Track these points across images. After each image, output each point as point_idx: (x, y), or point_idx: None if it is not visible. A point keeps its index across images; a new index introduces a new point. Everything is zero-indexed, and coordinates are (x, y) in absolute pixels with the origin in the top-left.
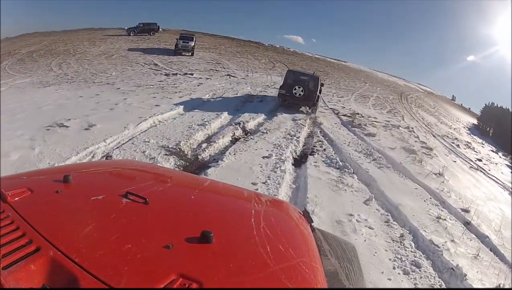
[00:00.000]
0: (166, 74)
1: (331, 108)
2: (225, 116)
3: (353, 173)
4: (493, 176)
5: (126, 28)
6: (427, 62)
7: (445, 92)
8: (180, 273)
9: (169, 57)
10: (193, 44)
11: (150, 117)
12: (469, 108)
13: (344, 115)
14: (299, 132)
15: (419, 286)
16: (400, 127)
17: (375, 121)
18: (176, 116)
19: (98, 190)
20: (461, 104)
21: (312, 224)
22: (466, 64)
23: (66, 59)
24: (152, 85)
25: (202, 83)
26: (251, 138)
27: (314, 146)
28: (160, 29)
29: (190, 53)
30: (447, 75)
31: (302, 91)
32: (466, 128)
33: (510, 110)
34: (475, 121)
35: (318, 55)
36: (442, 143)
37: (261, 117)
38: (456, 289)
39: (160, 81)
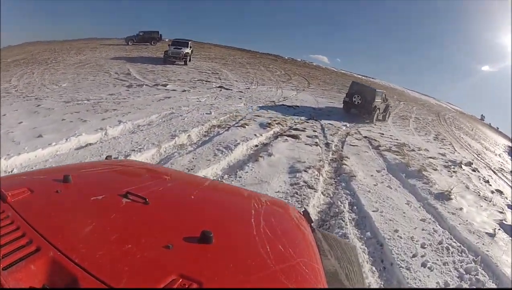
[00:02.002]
0: (129, 86)
1: (365, 136)
2: None
3: None
4: None
5: (125, 37)
6: (446, 75)
7: (468, 108)
8: (180, 273)
9: (154, 66)
10: (187, 51)
11: None
12: (497, 128)
13: (388, 149)
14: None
15: None
16: (462, 165)
17: (428, 156)
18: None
19: (98, 190)
20: (490, 123)
21: (312, 224)
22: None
23: (36, 69)
24: (90, 100)
25: (169, 98)
26: None
27: None
28: (166, 39)
29: (183, 62)
30: (466, 87)
31: (360, 100)
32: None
33: None
34: (509, 143)
35: (344, 70)
36: None
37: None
38: (456, 289)
39: (111, 94)
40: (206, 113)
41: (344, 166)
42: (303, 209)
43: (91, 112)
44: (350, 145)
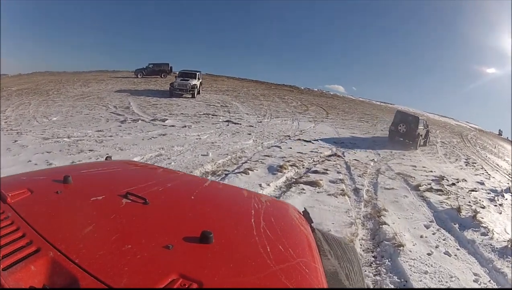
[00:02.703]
0: (122, 121)
1: (399, 172)
2: None
3: None
4: None
5: (134, 70)
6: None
7: (485, 123)
8: (180, 273)
9: (158, 99)
10: (194, 82)
11: None
12: None
13: (429, 189)
14: None
15: None
16: (504, 194)
17: (469, 188)
18: None
19: (98, 190)
20: (508, 137)
21: (312, 224)
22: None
23: (35, 99)
24: (71, 137)
25: (164, 135)
26: None
27: None
28: (177, 72)
29: (190, 94)
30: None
31: (405, 128)
32: None
33: None
34: None
35: (362, 98)
36: None
37: None
38: (457, 289)
39: (99, 130)
40: (201, 155)
41: (383, 226)
42: (303, 209)
43: (63, 153)
44: (385, 187)
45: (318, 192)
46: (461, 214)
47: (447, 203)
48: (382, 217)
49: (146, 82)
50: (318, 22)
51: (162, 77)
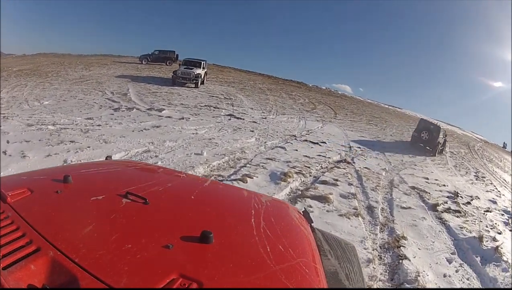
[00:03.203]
0: (116, 109)
1: (412, 186)
2: None
3: None
4: None
5: (139, 55)
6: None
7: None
8: (180, 273)
9: (160, 87)
10: (199, 72)
11: None
12: None
13: (447, 209)
14: None
15: None
16: None
17: (484, 208)
18: None
19: (98, 190)
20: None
21: (312, 224)
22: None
23: (32, 81)
24: (56, 124)
25: (157, 127)
26: None
27: None
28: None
29: (193, 84)
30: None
31: (427, 135)
32: None
33: None
34: None
35: (370, 100)
36: None
37: None
38: (458, 289)
39: (89, 118)
40: (195, 154)
41: (404, 261)
42: (303, 209)
43: (42, 144)
44: (401, 206)
45: (327, 211)
46: (482, 244)
47: (467, 229)
48: (400, 246)
49: (150, 68)
50: (329, 20)
51: (167, 65)
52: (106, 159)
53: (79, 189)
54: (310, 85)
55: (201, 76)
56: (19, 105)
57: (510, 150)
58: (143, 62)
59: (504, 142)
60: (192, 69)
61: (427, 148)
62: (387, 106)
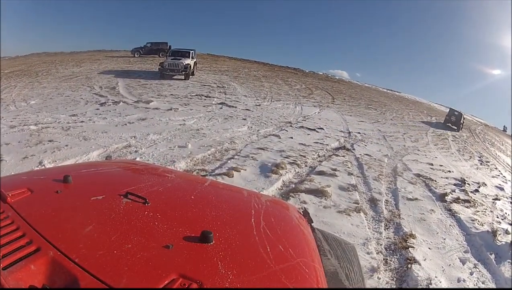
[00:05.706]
0: (102, 104)
1: (417, 173)
2: None
3: None
4: None
5: (131, 49)
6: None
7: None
8: (180, 273)
9: (149, 80)
10: (188, 62)
11: None
12: None
13: (456, 199)
14: None
15: None
16: None
17: (492, 196)
18: None
19: (98, 190)
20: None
21: (312, 224)
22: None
23: (22, 82)
24: (38, 124)
25: (143, 120)
26: None
27: None
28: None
29: (183, 75)
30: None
31: (454, 119)
32: None
33: None
34: None
35: (368, 84)
36: None
37: None
38: (458, 289)
39: (73, 115)
40: (178, 147)
41: (413, 266)
42: (303, 209)
43: (21, 145)
44: (407, 198)
45: (325, 207)
46: (496, 239)
47: (478, 221)
48: (409, 247)
49: (142, 61)
50: (325, 4)
51: (160, 56)
52: (106, 159)
53: (79, 189)
54: (307, 71)
55: (190, 66)
56: (6, 107)
57: (510, 133)
58: (136, 55)
59: (504, 126)
60: (180, 60)
61: (454, 127)
62: (385, 90)
